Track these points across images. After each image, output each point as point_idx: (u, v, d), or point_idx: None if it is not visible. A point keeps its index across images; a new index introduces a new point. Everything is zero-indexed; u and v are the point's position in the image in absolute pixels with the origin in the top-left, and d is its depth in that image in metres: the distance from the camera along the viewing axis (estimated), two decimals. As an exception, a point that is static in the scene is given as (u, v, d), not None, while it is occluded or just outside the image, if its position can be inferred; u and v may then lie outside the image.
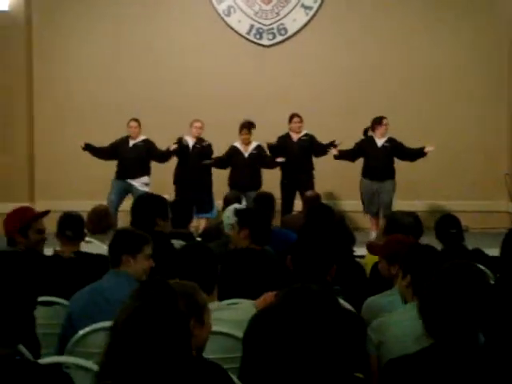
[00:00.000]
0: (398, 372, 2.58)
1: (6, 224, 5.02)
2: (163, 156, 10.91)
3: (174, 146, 10.77)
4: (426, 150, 10.74)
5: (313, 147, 11.07)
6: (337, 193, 12.33)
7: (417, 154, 10.86)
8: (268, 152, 11.00)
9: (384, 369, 2.68)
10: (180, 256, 3.93)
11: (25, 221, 4.97)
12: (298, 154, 10.94)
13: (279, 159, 10.82)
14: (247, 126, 10.90)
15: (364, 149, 10.97)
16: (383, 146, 10.95)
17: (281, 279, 4.15)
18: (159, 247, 4.42)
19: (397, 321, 3.32)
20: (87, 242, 5.84)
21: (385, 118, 10.99)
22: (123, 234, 4.29)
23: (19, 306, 2.48)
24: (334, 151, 10.87)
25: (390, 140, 10.95)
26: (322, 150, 11.02)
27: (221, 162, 10.97)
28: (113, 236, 4.33)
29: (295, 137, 11.12)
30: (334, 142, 10.88)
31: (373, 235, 10.77)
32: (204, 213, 10.66)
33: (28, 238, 4.95)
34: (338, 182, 11.82)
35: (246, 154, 10.96)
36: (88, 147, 10.92)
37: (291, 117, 11.12)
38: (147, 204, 5.51)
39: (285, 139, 11.14)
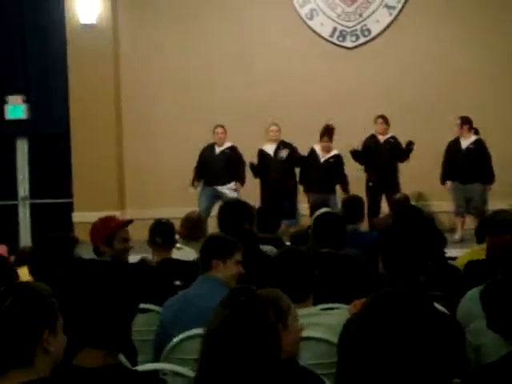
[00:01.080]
0: (482, 381, 2.53)
1: (92, 234, 5.10)
2: (242, 172, 10.97)
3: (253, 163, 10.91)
4: None
5: (398, 151, 10.95)
6: (424, 194, 12.14)
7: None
8: (352, 158, 10.94)
9: (468, 378, 2.64)
10: (278, 261, 3.91)
11: (109, 230, 5.02)
12: (383, 156, 10.85)
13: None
14: (328, 134, 10.88)
15: (450, 151, 10.82)
16: (468, 148, 10.72)
17: (368, 282, 4.10)
18: (247, 248, 4.41)
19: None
20: (178, 248, 5.91)
21: (459, 117, 10.75)
22: (214, 239, 4.32)
23: (124, 314, 2.53)
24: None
25: (477, 142, 10.72)
26: (404, 154, 10.91)
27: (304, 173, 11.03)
28: (204, 241, 4.36)
29: (382, 138, 11.03)
30: (410, 142, 10.76)
31: (458, 235, 10.60)
32: (285, 219, 10.59)
33: (113, 248, 5.01)
34: (425, 182, 11.64)
35: (322, 160, 10.94)
36: (194, 181, 10.95)
37: (376, 118, 11.04)
38: (234, 209, 5.53)
39: (371, 140, 11.07)
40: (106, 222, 5.16)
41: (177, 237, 6.00)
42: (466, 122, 10.71)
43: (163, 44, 12.56)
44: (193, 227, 6.30)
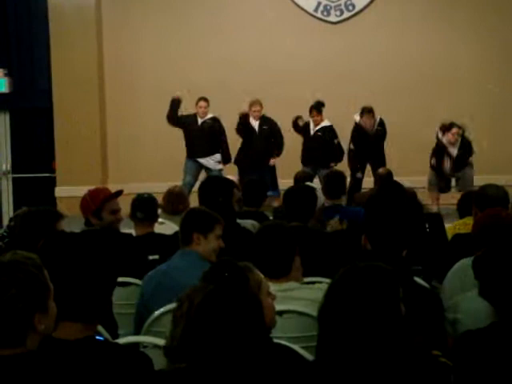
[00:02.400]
0: (470, 345, 2.58)
1: (81, 206, 5.09)
2: (224, 144, 11.00)
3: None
4: None
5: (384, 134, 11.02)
6: (405, 169, 12.14)
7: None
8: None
9: (457, 342, 2.68)
10: (259, 236, 3.89)
11: (97, 203, 5.00)
12: (373, 145, 10.92)
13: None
14: (315, 107, 10.93)
15: (440, 157, 10.78)
16: (457, 153, 10.73)
17: (347, 256, 4.10)
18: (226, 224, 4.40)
19: (471, 297, 3.26)
20: (161, 223, 5.90)
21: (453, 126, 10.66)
22: (195, 213, 4.29)
23: (102, 287, 2.52)
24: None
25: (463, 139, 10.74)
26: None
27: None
28: (184, 214, 4.34)
29: (370, 130, 11.03)
30: None
31: (434, 210, 10.66)
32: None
33: (102, 220, 4.99)
34: (406, 157, 11.67)
35: (312, 132, 11.04)
36: (174, 103, 10.91)
37: (366, 113, 10.92)
38: (210, 184, 5.55)
39: (359, 132, 11.06)
40: (94, 193, 5.14)
41: (160, 211, 5.99)
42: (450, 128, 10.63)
43: (147, 16, 12.50)
44: (175, 201, 6.30)
